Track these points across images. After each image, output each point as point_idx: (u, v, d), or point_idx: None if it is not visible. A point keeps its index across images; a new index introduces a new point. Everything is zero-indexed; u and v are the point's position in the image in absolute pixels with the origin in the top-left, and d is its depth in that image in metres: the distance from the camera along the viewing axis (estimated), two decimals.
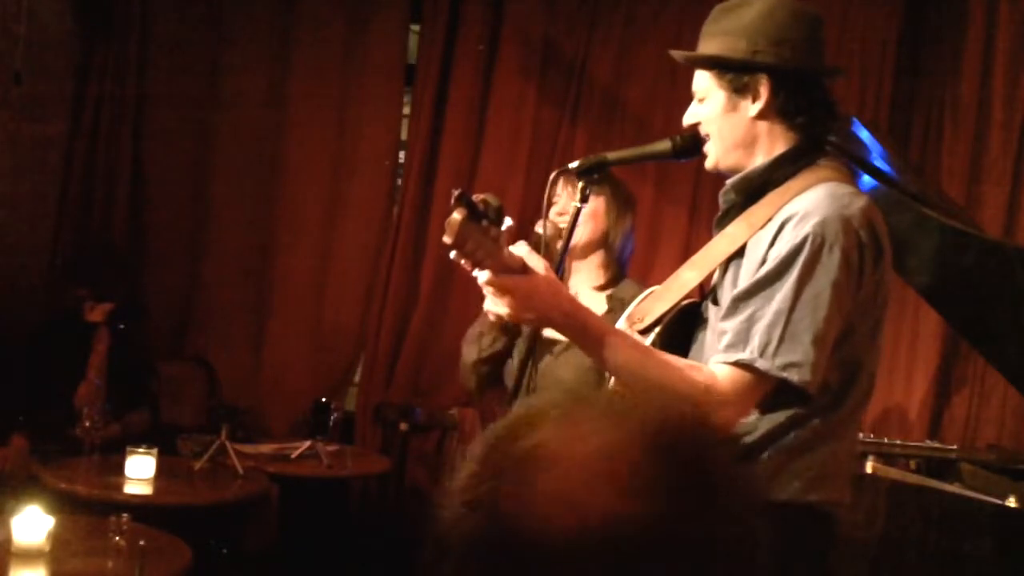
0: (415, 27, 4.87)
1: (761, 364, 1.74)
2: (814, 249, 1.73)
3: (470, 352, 2.93)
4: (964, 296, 3.06)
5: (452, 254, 1.67)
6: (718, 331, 1.83)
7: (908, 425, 4.01)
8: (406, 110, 4.90)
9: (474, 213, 1.62)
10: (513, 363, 3.04)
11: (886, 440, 3.37)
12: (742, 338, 1.77)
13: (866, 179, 2.68)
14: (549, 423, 0.78)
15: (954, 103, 4.08)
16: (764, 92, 1.84)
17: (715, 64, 1.89)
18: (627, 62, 4.56)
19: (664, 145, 1.99)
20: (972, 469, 3.16)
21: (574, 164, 2.00)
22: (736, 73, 1.86)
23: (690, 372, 1.81)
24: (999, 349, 3.13)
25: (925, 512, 2.90)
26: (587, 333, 1.81)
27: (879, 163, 2.85)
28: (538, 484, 0.73)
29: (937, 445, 3.46)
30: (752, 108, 1.86)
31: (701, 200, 4.36)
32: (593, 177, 1.99)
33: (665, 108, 4.40)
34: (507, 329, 2.84)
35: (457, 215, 1.60)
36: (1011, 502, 2.78)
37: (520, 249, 1.77)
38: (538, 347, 3.02)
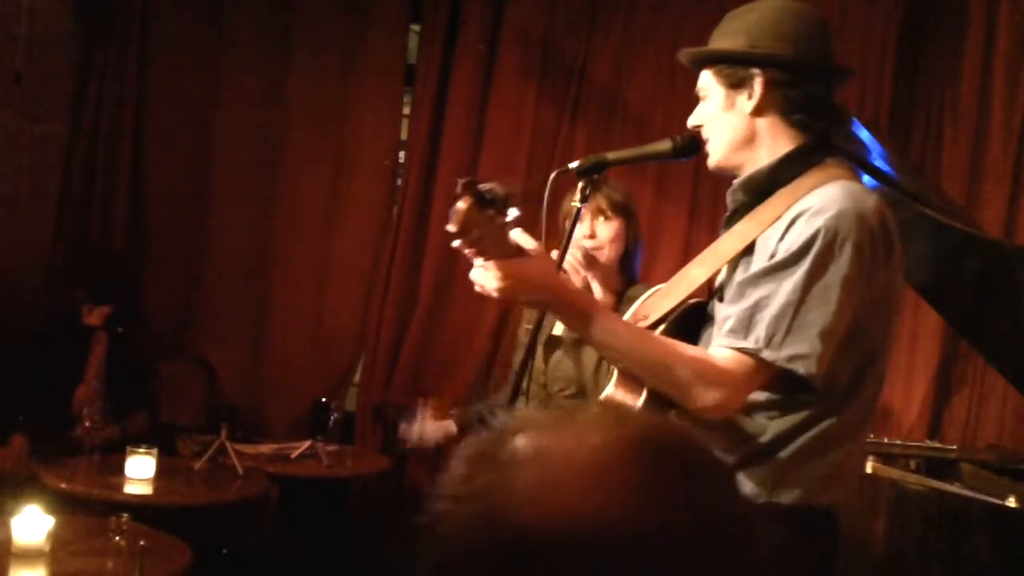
0: (415, 27, 4.87)
1: (767, 355, 1.73)
2: (827, 242, 1.72)
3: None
4: (964, 296, 3.06)
5: (455, 242, 1.68)
6: (721, 316, 1.82)
7: (908, 425, 4.01)
8: (406, 110, 4.90)
9: (481, 201, 1.62)
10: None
11: (886, 440, 3.37)
12: (745, 325, 1.75)
13: (866, 179, 2.68)
14: (540, 425, 0.79)
15: (954, 103, 4.08)
16: (759, 87, 1.84)
17: (711, 59, 1.90)
18: (627, 62, 4.56)
19: (664, 145, 1.99)
20: (972, 469, 3.16)
21: (574, 164, 2.00)
22: (732, 68, 1.86)
23: (686, 351, 1.80)
24: (999, 349, 3.13)
25: (925, 512, 2.90)
26: (578, 314, 1.81)
27: (879, 163, 2.85)
28: (527, 480, 0.73)
29: (937, 445, 3.46)
30: (748, 104, 1.85)
31: (701, 200, 4.37)
32: (593, 177, 1.99)
33: (665, 108, 4.40)
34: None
35: (463, 203, 1.62)
36: (1011, 502, 2.78)
37: (517, 233, 1.77)
38: (548, 344, 3.08)
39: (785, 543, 1.80)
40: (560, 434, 0.77)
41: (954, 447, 3.41)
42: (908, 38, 4.21)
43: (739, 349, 1.75)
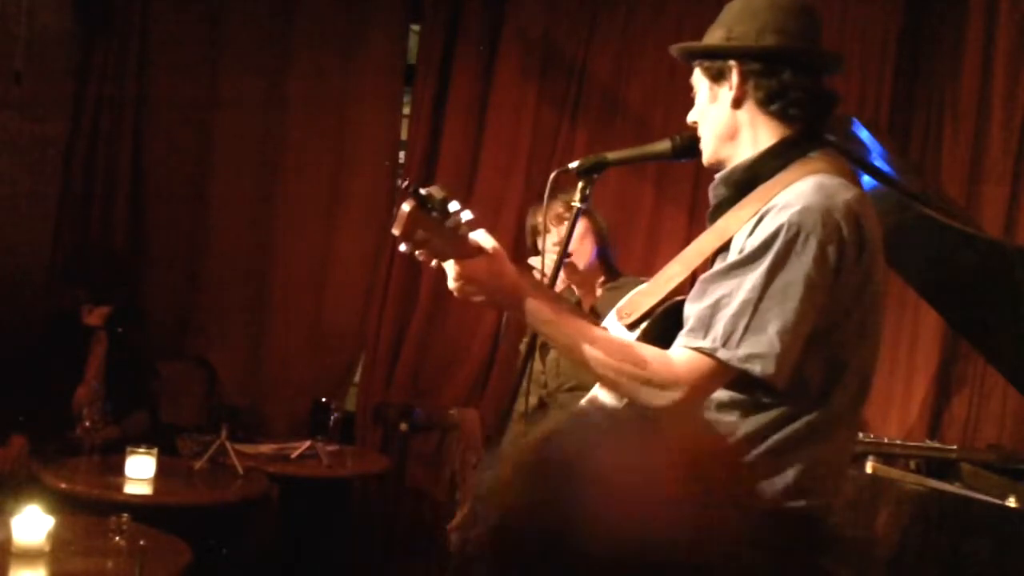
0: (415, 27, 4.88)
1: (722, 354, 1.69)
2: (788, 239, 1.68)
3: None
4: (964, 296, 3.06)
5: (402, 246, 1.67)
6: (685, 314, 1.78)
7: (908, 425, 4.01)
8: (406, 110, 4.91)
9: (424, 205, 1.62)
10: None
11: (886, 440, 3.37)
12: (704, 324, 1.72)
13: (866, 179, 2.68)
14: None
15: (954, 103, 4.08)
16: (735, 77, 1.82)
17: (691, 54, 1.90)
18: (627, 62, 4.56)
19: (664, 145, 1.98)
20: (972, 469, 3.16)
21: (574, 164, 2.00)
22: (712, 61, 1.85)
23: (633, 350, 1.76)
24: (999, 349, 3.13)
25: (925, 512, 2.90)
26: (528, 311, 1.78)
27: (879, 163, 2.85)
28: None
29: (937, 445, 3.46)
30: (729, 96, 1.84)
31: (701, 200, 4.35)
32: (593, 177, 1.99)
33: (665, 108, 4.40)
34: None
35: (406, 206, 1.61)
36: (1011, 502, 2.78)
37: (480, 234, 1.76)
38: (543, 347, 3.08)
39: (759, 544, 1.78)
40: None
41: (954, 447, 3.40)
42: (908, 38, 4.22)
43: (696, 348, 1.72)
